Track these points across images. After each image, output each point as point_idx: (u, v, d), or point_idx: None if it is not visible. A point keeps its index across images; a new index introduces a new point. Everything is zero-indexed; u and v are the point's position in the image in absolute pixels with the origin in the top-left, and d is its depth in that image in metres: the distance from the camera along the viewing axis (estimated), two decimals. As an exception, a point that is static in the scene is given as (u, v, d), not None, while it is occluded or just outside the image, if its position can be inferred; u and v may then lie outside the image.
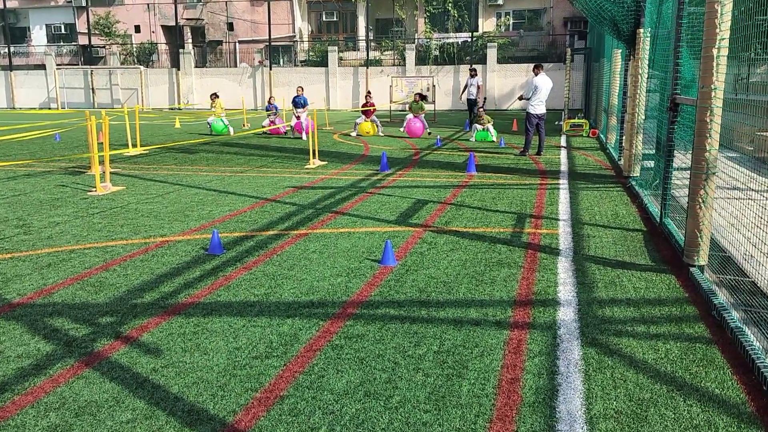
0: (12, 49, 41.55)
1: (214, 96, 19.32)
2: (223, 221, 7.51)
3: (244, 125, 22.49)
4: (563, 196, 8.93)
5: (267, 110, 19.22)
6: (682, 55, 6.35)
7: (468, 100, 21.21)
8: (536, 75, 13.45)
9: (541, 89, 13.24)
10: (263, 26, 38.47)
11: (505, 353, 3.80)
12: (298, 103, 18.14)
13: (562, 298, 4.77)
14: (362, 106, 18.57)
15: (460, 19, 36.81)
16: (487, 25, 37.02)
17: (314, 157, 12.46)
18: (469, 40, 34.43)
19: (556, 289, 4.99)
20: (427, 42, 35.71)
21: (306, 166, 12.15)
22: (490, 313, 4.49)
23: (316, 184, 10.22)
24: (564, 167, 11.77)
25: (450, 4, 36.53)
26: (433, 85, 25.00)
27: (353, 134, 18.31)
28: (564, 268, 5.55)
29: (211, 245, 6.10)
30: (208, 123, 18.98)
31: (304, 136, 16.95)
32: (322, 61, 36.73)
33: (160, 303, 4.70)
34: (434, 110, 26.18)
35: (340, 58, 36.85)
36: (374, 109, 18.29)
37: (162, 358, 3.74)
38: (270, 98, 19.89)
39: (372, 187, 9.77)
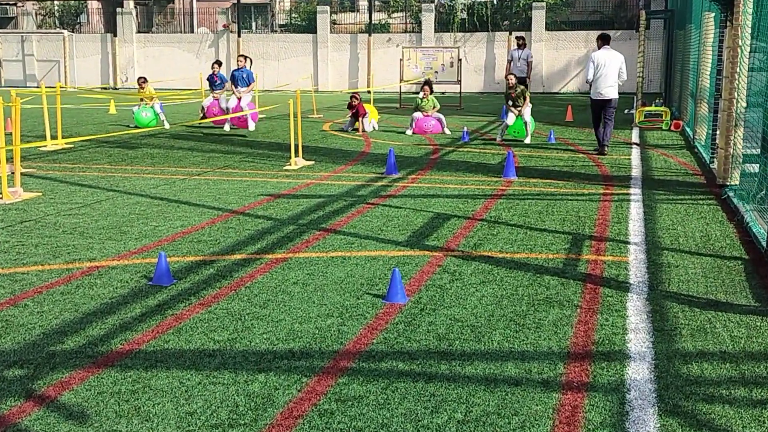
0: None
1: (143, 81, 19.05)
2: (173, 240, 7.57)
3: (200, 112, 22.65)
4: (635, 210, 8.96)
5: (211, 84, 18.70)
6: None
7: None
8: (598, 48, 13.71)
9: (601, 67, 13.40)
10: (230, -22, 38.85)
11: (554, 424, 3.81)
12: (239, 78, 17.71)
13: (632, 350, 4.77)
14: (348, 107, 18.26)
15: (495, -29, 37.13)
16: (532, -22, 37.30)
17: (297, 155, 12.54)
18: (508, -2, 34.65)
19: (624, 337, 5.00)
20: (451, 1, 35.99)
21: (286, 167, 12.24)
22: (535, 368, 4.50)
23: (300, 191, 10.27)
24: (636, 171, 11.81)
25: (482, -50, 36.90)
26: (459, 59, 25.16)
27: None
28: (636, 308, 5.56)
29: (157, 273, 6.15)
30: (132, 112, 18.70)
31: (251, 126, 17.02)
32: (309, 26, 37.08)
33: (88, 351, 4.74)
34: (460, 93, 26.33)
35: (333, 22, 37.21)
36: (364, 113, 17.70)
37: (89, 426, 3.76)
38: (213, 65, 19.11)
39: (375, 197, 9.82)
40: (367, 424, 3.81)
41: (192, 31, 40.33)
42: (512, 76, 16.05)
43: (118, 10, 38.33)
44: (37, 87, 21.85)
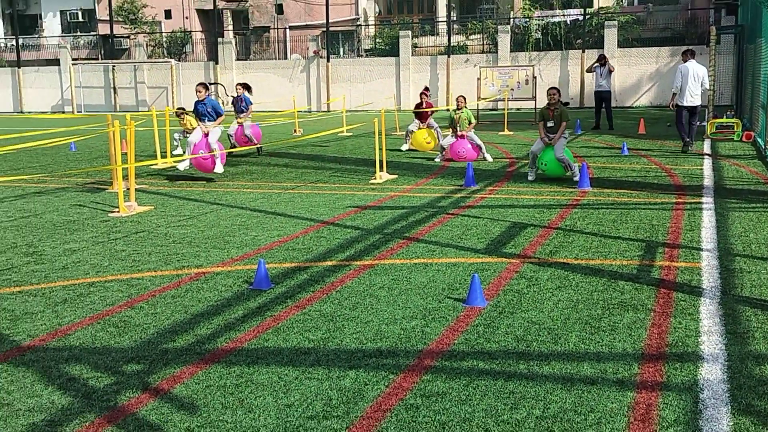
0: (20, 41, 44.15)
1: (181, 112, 17.39)
2: (271, 249, 7.72)
3: (295, 131, 23.07)
4: (707, 219, 8.72)
5: (235, 107, 16.71)
6: None
7: (596, 93, 21.35)
8: (684, 62, 15.34)
9: (688, 77, 15.00)
10: (319, 8, 39.43)
11: (629, 421, 3.75)
12: (203, 112, 15.27)
13: (705, 352, 4.66)
14: (415, 107, 17.00)
15: (568, -7, 36.64)
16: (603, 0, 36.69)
17: (382, 169, 12.64)
18: (581, 18, 34.17)
19: (697, 339, 4.88)
20: (525, 22, 35.68)
21: (371, 181, 12.35)
22: (610, 369, 4.44)
23: (385, 203, 10.35)
24: (708, 181, 11.48)
25: (556, -27, 36.47)
26: (534, 77, 24.93)
27: (404, 148, 17.03)
28: (709, 312, 5.42)
29: (257, 278, 6.29)
30: (176, 139, 17.16)
31: (219, 168, 12.55)
32: (392, 50, 37.29)
33: (196, 348, 4.89)
34: (535, 108, 26.07)
35: (415, 45, 37.30)
36: (432, 112, 16.79)
37: (198, 416, 3.89)
38: (238, 86, 16.85)
39: (454, 207, 9.82)
40: (450, 418, 3.83)
41: (286, 58, 41.07)
42: (555, 91, 12.08)
43: (220, 40, 39.36)
44: (148, 111, 22.56)
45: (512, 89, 24.82)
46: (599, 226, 8.48)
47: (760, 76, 16.37)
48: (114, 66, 41.16)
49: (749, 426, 3.69)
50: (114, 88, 40.74)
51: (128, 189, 10.39)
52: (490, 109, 31.48)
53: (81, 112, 40.49)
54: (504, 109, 24.01)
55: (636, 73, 32.13)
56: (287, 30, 42.34)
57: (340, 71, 37.19)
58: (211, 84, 16.14)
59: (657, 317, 5.33)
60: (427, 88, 17.23)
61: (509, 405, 3.97)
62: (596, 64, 21.47)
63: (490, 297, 5.88)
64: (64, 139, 18.72)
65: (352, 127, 21.34)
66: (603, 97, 21.13)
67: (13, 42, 44.58)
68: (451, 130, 14.66)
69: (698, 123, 15.62)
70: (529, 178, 11.93)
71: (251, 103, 16.54)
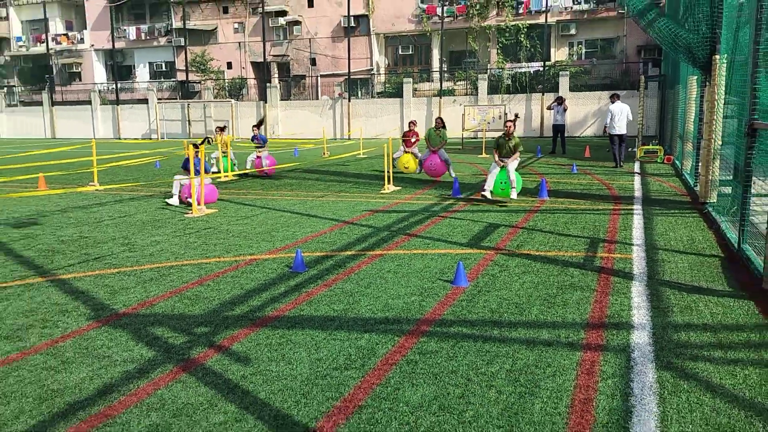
0: (119, 85, 44.39)
1: (219, 130, 15.75)
2: (306, 241, 7.72)
3: (324, 154, 23.05)
4: (637, 221, 8.66)
5: (254, 143, 15.53)
6: (760, 80, 6.10)
7: (553, 126, 21.32)
8: (612, 102, 16.06)
9: (617, 113, 15.80)
10: (343, 61, 39.47)
11: (578, 374, 3.73)
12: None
13: (636, 322, 4.63)
14: (403, 136, 15.04)
15: (532, 50, 36.53)
16: (559, 54, 36.54)
17: (389, 182, 12.62)
18: (542, 69, 34.06)
19: (629, 312, 4.85)
20: (499, 72, 35.60)
21: (381, 191, 12.32)
22: (563, 334, 4.41)
23: (391, 207, 10.34)
24: (638, 193, 11.40)
25: (522, 36, 36.36)
26: (505, 113, 24.85)
27: (416, 171, 15.22)
28: (638, 292, 5.38)
29: (295, 263, 6.29)
30: (213, 159, 15.69)
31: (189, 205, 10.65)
32: (398, 92, 37.24)
33: (249, 315, 4.89)
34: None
35: (415, 89, 37.27)
36: (417, 140, 14.96)
37: (250, 366, 3.89)
38: (254, 127, 15.52)
39: (444, 211, 9.79)
40: (441, 371, 3.81)
41: (317, 98, 41.08)
42: (511, 124, 10.51)
43: (268, 84, 39.42)
44: (214, 139, 22.49)
45: (488, 122, 24.75)
46: (555, 226, 8.43)
47: (678, 113, 16.32)
48: (188, 104, 41.28)
49: (669, 378, 3.66)
50: (188, 121, 40.85)
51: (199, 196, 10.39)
52: (472, 138, 31.41)
53: (163, 138, 40.61)
54: (482, 138, 23.95)
55: (583, 111, 32.00)
56: (318, 77, 42.39)
57: (358, 109, 37.17)
58: (256, 125, 15.23)
59: (599, 295, 5.30)
60: (413, 122, 15.82)
61: (486, 360, 3.95)
62: (554, 103, 21.39)
63: (471, 279, 5.86)
64: (151, 159, 18.78)
65: (366, 151, 21.34)
66: (559, 129, 21.06)
67: (113, 86, 44.85)
68: (427, 145, 13.62)
69: (626, 148, 16.28)
70: (485, 193, 10.27)
71: (266, 139, 15.49)
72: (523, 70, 35.37)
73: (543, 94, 32.76)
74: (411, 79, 36.52)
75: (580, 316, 4.79)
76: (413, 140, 14.80)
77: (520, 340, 4.31)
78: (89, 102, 44.59)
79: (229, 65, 44.81)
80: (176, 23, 44.84)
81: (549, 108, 21.85)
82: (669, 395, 3.43)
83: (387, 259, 6.70)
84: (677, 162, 15.62)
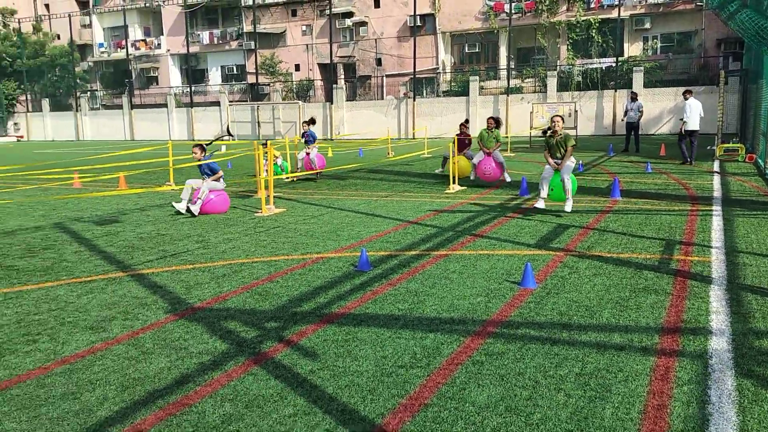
0: (193, 88, 46.05)
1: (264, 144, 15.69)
2: (370, 241, 7.80)
3: (388, 154, 23.18)
4: (716, 223, 8.28)
5: (303, 139, 15.17)
6: None
7: (627, 123, 20.69)
8: (685, 99, 15.74)
9: (690, 110, 15.56)
10: (409, 60, 39.52)
11: (651, 380, 3.62)
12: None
13: (714, 327, 4.44)
14: (456, 137, 13.50)
15: (604, 45, 35.49)
16: (632, 49, 35.34)
17: (454, 182, 12.56)
18: (614, 64, 33.04)
19: (707, 317, 4.66)
20: (569, 68, 34.76)
21: (446, 191, 12.29)
22: (636, 339, 4.29)
23: (456, 208, 10.29)
24: (717, 193, 10.90)
25: (594, 31, 35.38)
26: (575, 111, 24.25)
27: (437, 171, 15.26)
28: (717, 296, 5.16)
29: (360, 262, 6.37)
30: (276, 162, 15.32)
31: (195, 209, 10.01)
32: (463, 91, 36.99)
33: (316, 312, 4.99)
34: (576, 135, 25.45)
35: (481, 87, 36.91)
36: (469, 142, 13.82)
37: (318, 361, 3.98)
38: (305, 123, 15.12)
39: (511, 212, 9.67)
40: (507, 372, 3.78)
41: (382, 98, 41.32)
42: (559, 119, 9.14)
43: (334, 85, 39.99)
44: (282, 139, 23.06)
45: (558, 121, 24.26)
46: (627, 227, 8.18)
47: (761, 109, 15.47)
48: (258, 106, 42.40)
49: (750, 387, 3.50)
50: (258, 122, 41.96)
51: (268, 196, 10.69)
52: (540, 137, 30.83)
53: (235, 139, 41.85)
54: (551, 137, 23.50)
55: (658, 108, 30.79)
56: (384, 77, 42.62)
57: (423, 108, 37.15)
58: (307, 121, 14.76)
59: (674, 299, 5.11)
60: (467, 121, 14.70)
61: (554, 363, 3.89)
62: (628, 100, 20.78)
63: (540, 281, 5.77)
64: (223, 158, 19.38)
65: (431, 150, 21.32)
66: (632, 126, 20.42)
67: (188, 89, 46.60)
68: (480, 147, 12.77)
69: (696, 145, 15.99)
70: (538, 205, 9.16)
71: (316, 137, 15.26)
72: (594, 66, 34.41)
73: (615, 91, 31.79)
74: (477, 77, 36.20)
75: (654, 320, 4.64)
76: (467, 142, 13.70)
77: (591, 343, 4.22)
78: (165, 105, 46.46)
79: (297, 67, 45.69)
80: (247, 27, 46.11)
81: (626, 110, 20.98)
82: (750, 404, 3.29)
83: (452, 260, 6.69)
84: (760, 161, 14.82)
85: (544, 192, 9.23)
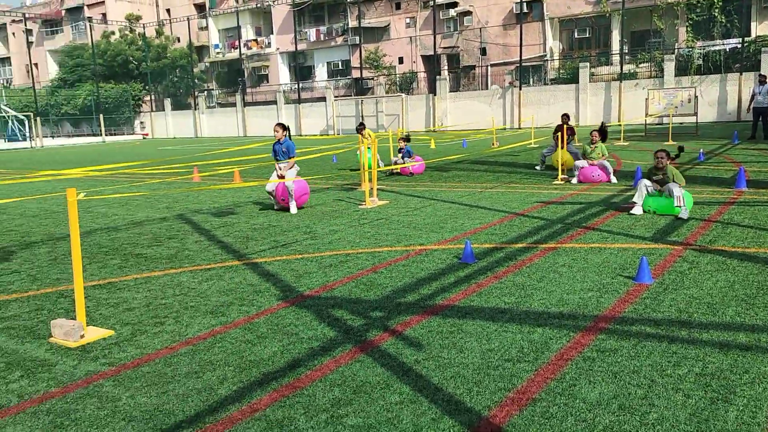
0: (300, 85, 47.61)
1: (362, 128, 15.24)
2: (474, 233, 7.74)
3: (493, 144, 22.84)
4: None
5: (400, 155, 14.72)
6: None
7: (754, 108, 19.14)
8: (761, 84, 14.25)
9: None
10: (514, 49, 38.68)
11: (782, 384, 3.35)
12: (279, 152, 11.48)
13: None
14: (555, 131, 13.42)
15: (728, 25, 32.95)
16: (761, 28, 32.56)
17: (562, 173, 12.17)
18: (739, 46, 30.57)
19: None
20: (688, 51, 32.58)
21: (554, 182, 11.94)
22: (764, 339, 3.98)
23: (565, 199, 9.98)
24: None
25: (717, 10, 32.92)
26: (696, 96, 22.72)
27: (538, 168, 14.26)
28: None
29: (464, 254, 6.34)
30: (356, 154, 15.64)
31: (293, 209, 9.91)
32: (573, 78, 35.71)
33: (420, 303, 5.03)
34: (696, 123, 23.85)
35: (592, 74, 35.45)
36: (571, 135, 13.23)
37: (423, 352, 4.02)
38: (401, 140, 14.64)
39: (625, 203, 9.24)
40: (621, 369, 3.64)
41: (487, 88, 40.74)
42: (664, 154, 8.27)
43: (438, 77, 39.91)
44: (385, 132, 23.31)
45: (676, 107, 22.82)
46: (755, 220, 7.59)
47: None
48: (362, 100, 43.14)
49: None
50: (362, 116, 42.70)
51: (372, 189, 10.87)
52: (656, 124, 29.16)
53: (339, 134, 42.89)
54: (669, 124, 22.15)
55: (792, 90, 28.18)
56: (488, 67, 41.96)
57: (530, 97, 36.23)
58: (404, 138, 14.53)
59: (810, 298, 4.69)
60: (567, 115, 13.57)
61: (672, 362, 3.70)
62: (756, 84, 19.18)
63: (656, 276, 5.48)
64: (329, 153, 19.95)
65: (538, 140, 20.77)
66: (761, 111, 18.83)
67: (296, 86, 48.26)
68: (584, 158, 11.96)
69: None
70: (635, 211, 8.37)
71: (412, 153, 14.55)
72: (716, 47, 32.02)
73: (741, 74, 29.46)
74: (588, 64, 34.80)
75: (786, 320, 4.28)
76: (568, 136, 12.73)
77: (712, 342, 3.97)
78: (275, 102, 48.36)
79: (401, 60, 46.00)
80: (352, 22, 46.94)
81: (753, 94, 19.41)
82: None
83: (561, 253, 6.50)
84: None
85: (640, 200, 8.39)
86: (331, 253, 7.00)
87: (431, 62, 42.77)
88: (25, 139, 48.08)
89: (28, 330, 4.85)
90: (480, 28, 41.63)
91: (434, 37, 40.25)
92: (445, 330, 4.40)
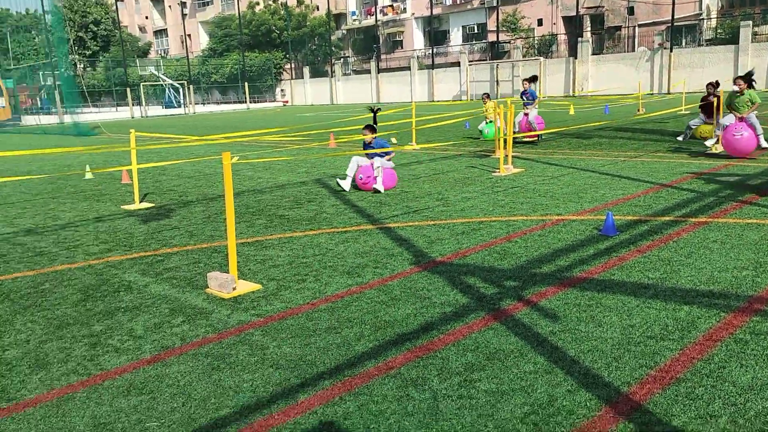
0: (435, 50, 47.34)
1: (486, 97, 15.40)
2: (616, 204, 7.39)
3: (639, 110, 21.45)
4: None
5: (522, 99, 14.67)
6: None
7: None
8: None
9: None
10: (666, 7, 35.76)
11: None
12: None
13: None
14: (701, 101, 12.46)
15: None
16: None
17: (718, 141, 11.19)
18: None
19: None
20: None
21: (707, 151, 11.03)
22: None
23: (720, 170, 9.21)
24: None
25: None
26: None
27: (680, 138, 12.60)
28: None
29: (605, 226, 6.08)
30: (479, 129, 15.68)
31: (380, 187, 9.05)
32: (732, 39, 32.44)
33: (557, 275, 4.93)
34: None
35: (755, 34, 31.99)
36: (719, 107, 11.51)
37: (559, 323, 3.95)
38: (525, 81, 14.52)
39: (791, 176, 8.35)
40: (779, 356, 3.37)
41: (633, 50, 38.13)
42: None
43: (579, 39, 37.94)
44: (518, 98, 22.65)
45: None
46: None
47: None
48: (497, 64, 42.13)
49: None
50: (497, 81, 41.78)
51: (506, 156, 10.68)
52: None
53: (472, 99, 42.29)
54: None
55: None
56: (636, 28, 39.17)
57: (681, 59, 33.44)
58: (528, 79, 14.47)
59: None
60: (714, 84, 12.21)
61: (842, 353, 3.35)
62: None
63: (826, 257, 4.95)
64: (460, 119, 19.77)
65: (689, 107, 19.16)
66: None
67: (429, 51, 48.07)
68: (731, 111, 10.62)
69: None
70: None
71: (536, 96, 14.45)
72: None
73: None
74: (750, 22, 31.39)
75: None
76: (716, 108, 11.57)
77: None
78: (408, 68, 48.56)
79: (540, 22, 44.21)
80: (488, -16, 45.71)
81: None
82: None
83: (713, 228, 6.05)
84: None
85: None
86: (464, 220, 7.02)
87: (572, 23, 40.69)
88: (179, 106, 52.26)
89: (187, 280, 5.36)
90: (628, -15, 38.90)
91: (576, -3, 38.18)
92: (583, 303, 4.29)
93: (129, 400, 3.29)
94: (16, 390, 3.49)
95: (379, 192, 9.08)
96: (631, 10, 39.08)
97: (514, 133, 14.20)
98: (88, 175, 12.71)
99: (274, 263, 5.73)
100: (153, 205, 9.14)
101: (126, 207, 9.06)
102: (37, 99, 51.48)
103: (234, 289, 4.97)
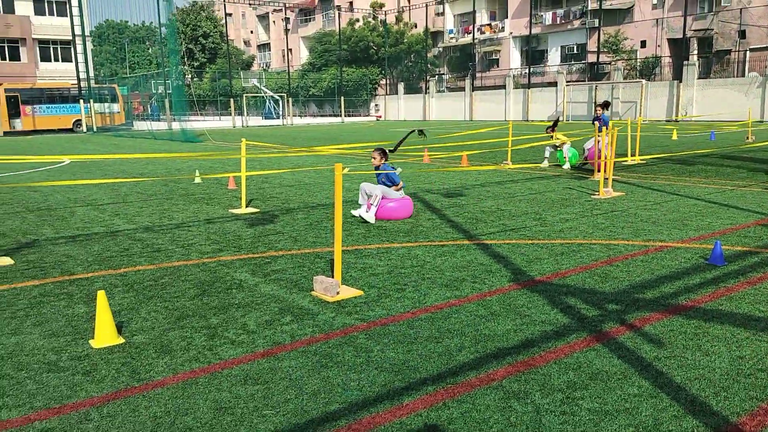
0: (531, 69, 46.82)
1: (551, 129, 14.47)
2: (723, 234, 7.11)
3: (748, 138, 20.32)
4: None
5: (593, 125, 14.17)
6: None
7: None
8: None
9: None
10: (784, 29, 33.74)
11: None
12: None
13: None
14: None
15: None
16: None
17: (841, 175, 10.48)
18: None
19: None
20: None
21: (829, 185, 10.35)
22: None
23: (843, 205, 8.62)
24: None
25: None
26: None
27: None
28: None
29: (713, 255, 5.89)
30: (550, 151, 14.86)
31: (370, 218, 8.29)
32: None
33: (661, 301, 4.84)
34: None
35: None
36: None
37: (664, 350, 3.90)
38: (598, 107, 14.15)
39: None
40: None
41: (743, 75, 36.12)
42: None
43: (685, 62, 36.41)
44: (622, 120, 22.07)
45: None
46: None
47: None
48: (596, 86, 41.08)
49: None
50: (594, 103, 40.72)
51: (607, 178, 10.47)
52: None
53: (569, 120, 41.42)
54: None
55: None
56: (747, 52, 37.11)
57: (800, 85, 31.34)
58: (601, 105, 14.20)
59: None
60: None
61: None
62: None
63: None
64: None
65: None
66: None
67: (525, 70, 47.59)
68: None
69: None
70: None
71: (608, 123, 13.63)
72: None
73: None
74: None
75: None
76: None
77: None
78: (503, 86, 48.24)
79: (643, 44, 42.84)
80: (592, 4, 44.81)
81: None
82: None
83: (833, 264, 5.71)
84: None
85: None
86: (562, 241, 6.98)
87: (678, 46, 39.13)
88: (278, 117, 54.38)
89: (294, 282, 5.67)
90: (740, 9, 36.96)
91: (684, 19, 36.66)
92: (689, 331, 4.20)
93: (246, 389, 3.56)
94: (146, 371, 3.84)
95: (366, 222, 8.25)
96: (742, 34, 37.13)
97: (585, 160, 13.82)
98: (197, 180, 13.54)
99: (373, 271, 5.94)
100: (258, 210, 9.65)
101: (233, 211, 9.62)
102: (148, 106, 55.18)
103: (338, 293, 5.21)
